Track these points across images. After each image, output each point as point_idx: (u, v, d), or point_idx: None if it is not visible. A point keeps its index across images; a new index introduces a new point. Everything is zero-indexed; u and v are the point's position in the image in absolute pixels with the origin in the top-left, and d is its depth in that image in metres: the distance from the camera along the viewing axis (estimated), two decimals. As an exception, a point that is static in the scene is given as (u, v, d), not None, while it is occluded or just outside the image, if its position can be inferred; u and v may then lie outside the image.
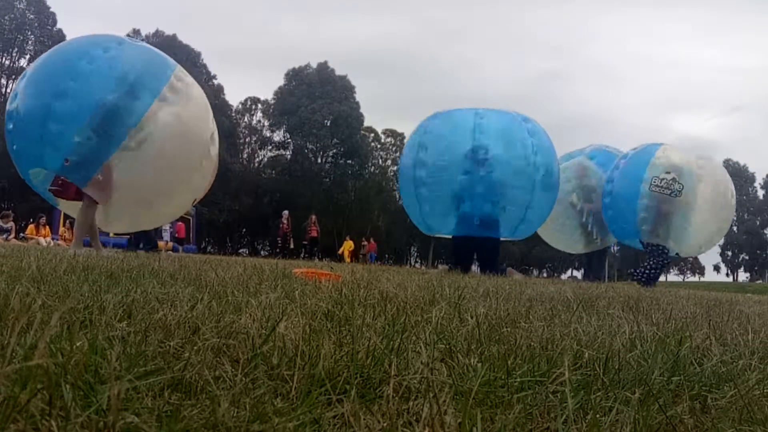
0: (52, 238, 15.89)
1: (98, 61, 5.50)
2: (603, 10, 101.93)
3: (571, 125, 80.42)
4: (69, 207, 6.26)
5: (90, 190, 5.56)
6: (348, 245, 26.27)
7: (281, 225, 19.96)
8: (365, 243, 28.36)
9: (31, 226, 16.79)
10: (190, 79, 6.11)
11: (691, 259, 74.88)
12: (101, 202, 5.70)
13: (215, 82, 48.04)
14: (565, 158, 10.30)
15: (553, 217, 9.35)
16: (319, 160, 51.81)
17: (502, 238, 8.47)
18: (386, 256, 46.15)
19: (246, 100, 53.52)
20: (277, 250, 19.74)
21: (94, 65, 5.47)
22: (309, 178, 48.50)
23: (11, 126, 5.55)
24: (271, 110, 52.28)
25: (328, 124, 49.72)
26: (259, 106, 53.59)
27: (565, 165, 10.00)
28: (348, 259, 23.75)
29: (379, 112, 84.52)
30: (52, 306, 1.40)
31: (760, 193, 65.37)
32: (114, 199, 5.67)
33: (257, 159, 53.43)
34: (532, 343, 1.37)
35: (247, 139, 52.96)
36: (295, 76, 50.96)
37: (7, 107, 5.71)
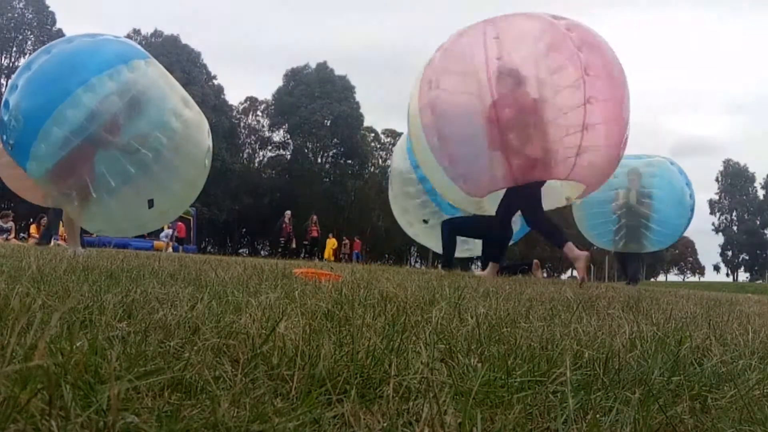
0: (53, 239, 15.87)
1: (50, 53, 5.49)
2: (603, 10, 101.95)
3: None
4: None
5: (58, 173, 5.50)
6: (331, 243, 26.08)
7: (284, 225, 19.92)
8: (347, 242, 28.14)
9: (32, 226, 16.78)
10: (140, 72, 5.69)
11: (690, 258, 74.87)
12: (63, 189, 5.54)
13: (215, 82, 48.02)
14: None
15: (594, 204, 9.10)
16: (319, 160, 51.80)
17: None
18: (386, 256, 46.08)
19: (246, 100, 53.54)
20: (279, 250, 19.70)
21: (51, 54, 5.49)
22: (309, 178, 48.49)
23: None
24: (270, 110, 52.27)
25: (328, 124, 49.72)
26: (259, 106, 53.60)
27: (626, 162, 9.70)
28: (330, 258, 23.63)
29: (379, 112, 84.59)
30: (52, 306, 1.40)
31: (760, 193, 65.37)
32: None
33: (257, 159, 53.43)
34: (532, 343, 1.37)
35: (247, 139, 52.96)
36: (294, 76, 50.94)
37: None
